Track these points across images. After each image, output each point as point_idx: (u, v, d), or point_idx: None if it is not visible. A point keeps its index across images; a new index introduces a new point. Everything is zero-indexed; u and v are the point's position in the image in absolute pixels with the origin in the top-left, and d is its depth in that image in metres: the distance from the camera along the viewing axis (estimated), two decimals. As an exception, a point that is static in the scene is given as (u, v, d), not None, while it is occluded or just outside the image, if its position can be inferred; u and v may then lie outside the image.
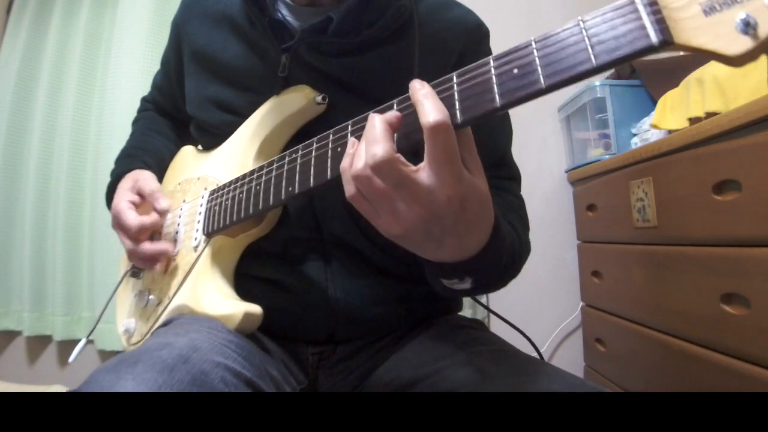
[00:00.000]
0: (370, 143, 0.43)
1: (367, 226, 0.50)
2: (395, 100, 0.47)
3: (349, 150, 0.46)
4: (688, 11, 0.33)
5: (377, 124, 0.44)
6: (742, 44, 0.31)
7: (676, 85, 1.10)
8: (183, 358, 0.46)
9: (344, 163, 0.46)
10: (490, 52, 0.77)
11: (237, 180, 0.67)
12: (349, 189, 0.45)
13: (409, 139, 0.45)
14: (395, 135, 0.45)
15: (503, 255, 0.54)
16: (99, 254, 1.62)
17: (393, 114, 0.45)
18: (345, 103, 0.68)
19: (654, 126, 1.16)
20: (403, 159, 0.42)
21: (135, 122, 0.97)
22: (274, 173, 0.60)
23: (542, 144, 1.65)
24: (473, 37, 0.74)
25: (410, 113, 0.45)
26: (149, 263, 0.73)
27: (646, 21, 0.33)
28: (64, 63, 1.80)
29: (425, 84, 0.44)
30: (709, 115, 0.95)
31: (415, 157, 0.44)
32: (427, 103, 0.42)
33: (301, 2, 0.74)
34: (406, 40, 0.70)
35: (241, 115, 0.73)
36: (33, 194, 1.73)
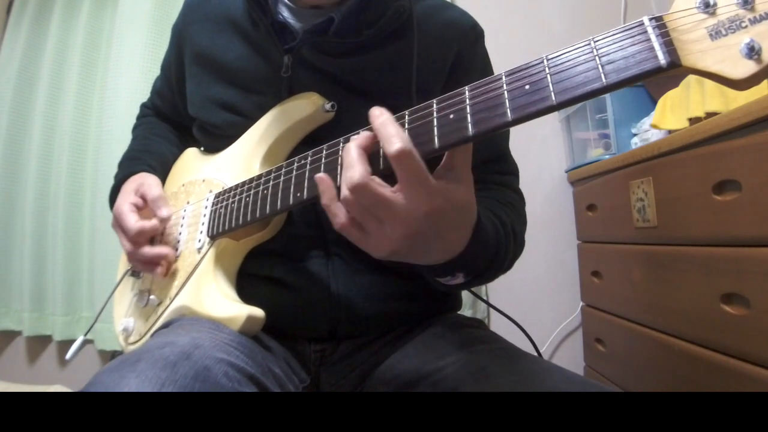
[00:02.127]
0: (346, 168, 0.45)
1: None
2: (407, 111, 0.48)
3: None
4: (694, 34, 0.34)
5: (352, 149, 0.46)
6: (747, 68, 0.32)
7: (676, 85, 1.10)
8: (185, 355, 0.46)
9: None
10: (485, 52, 0.80)
11: (244, 183, 0.67)
12: (335, 220, 0.48)
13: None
14: (381, 155, 0.46)
15: (489, 247, 0.56)
16: (99, 254, 1.62)
17: (364, 135, 0.47)
18: (348, 103, 0.69)
19: (654, 126, 1.16)
20: (378, 180, 0.44)
21: (135, 128, 0.97)
22: (282, 178, 0.60)
23: (542, 144, 1.65)
24: (469, 37, 0.76)
25: (420, 125, 0.45)
26: (148, 266, 0.73)
27: (655, 43, 0.34)
28: (64, 63, 1.80)
29: (384, 111, 0.46)
30: (709, 115, 0.95)
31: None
32: (385, 130, 0.44)
33: (302, 5, 0.75)
34: (405, 40, 0.71)
35: (244, 116, 0.73)
36: (33, 194, 1.73)
